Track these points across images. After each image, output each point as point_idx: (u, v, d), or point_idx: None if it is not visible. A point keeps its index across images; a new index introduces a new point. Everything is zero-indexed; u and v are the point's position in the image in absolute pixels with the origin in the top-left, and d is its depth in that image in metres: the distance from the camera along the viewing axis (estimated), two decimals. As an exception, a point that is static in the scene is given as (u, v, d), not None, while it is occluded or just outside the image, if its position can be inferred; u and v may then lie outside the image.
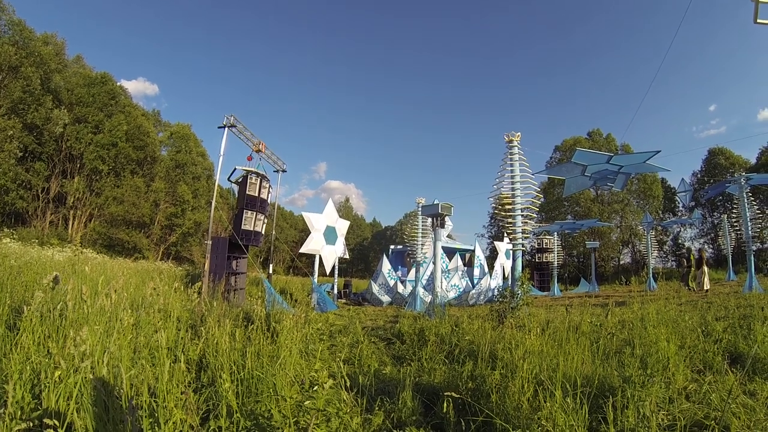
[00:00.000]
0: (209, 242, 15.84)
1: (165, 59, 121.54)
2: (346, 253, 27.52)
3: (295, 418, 3.39)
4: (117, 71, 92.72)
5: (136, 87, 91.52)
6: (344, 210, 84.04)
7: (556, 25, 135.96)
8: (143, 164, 50.39)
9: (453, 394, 4.11)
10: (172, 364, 4.22)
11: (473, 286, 25.60)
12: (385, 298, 25.08)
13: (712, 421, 4.11)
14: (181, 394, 3.33)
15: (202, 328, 5.73)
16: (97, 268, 11.28)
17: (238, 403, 4.02)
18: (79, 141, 43.72)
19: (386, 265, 26.98)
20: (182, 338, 5.45)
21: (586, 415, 3.90)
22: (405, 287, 26.11)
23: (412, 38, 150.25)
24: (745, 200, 21.03)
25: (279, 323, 6.30)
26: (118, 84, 50.15)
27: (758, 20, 4.32)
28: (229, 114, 17.16)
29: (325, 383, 3.50)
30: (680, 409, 4.85)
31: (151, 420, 3.34)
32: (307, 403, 3.40)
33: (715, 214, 55.37)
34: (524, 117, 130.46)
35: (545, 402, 4.14)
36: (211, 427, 3.62)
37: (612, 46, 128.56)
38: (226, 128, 17.20)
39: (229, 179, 17.99)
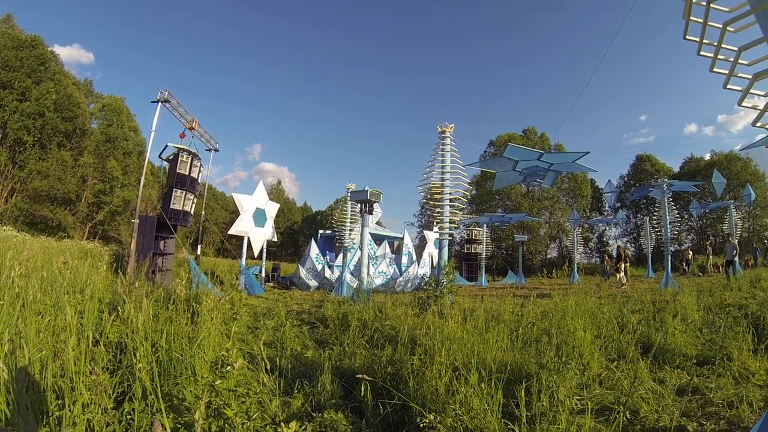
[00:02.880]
0: (137, 221, 15.50)
1: (103, 26, 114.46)
2: (275, 236, 27.47)
3: (208, 399, 3.40)
4: (50, 35, 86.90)
5: (69, 54, 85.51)
6: (276, 193, 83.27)
7: (501, 22, 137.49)
8: (71, 137, 47.33)
9: (364, 376, 4.19)
10: (92, 346, 4.16)
11: (401, 274, 25.86)
12: (313, 283, 25.01)
13: (620, 406, 4.32)
14: (90, 373, 3.28)
15: (122, 309, 5.61)
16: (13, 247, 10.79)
17: (153, 385, 4.00)
18: (2, 108, 40.64)
19: (314, 250, 27.01)
20: (104, 319, 5.35)
21: (501, 400, 4.01)
22: (333, 272, 26.13)
23: (356, 24, 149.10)
24: (666, 205, 22.43)
25: (200, 304, 6.23)
26: (50, 49, 46.87)
27: (687, 37, 4.51)
28: (163, 89, 16.76)
29: (235, 363, 3.52)
30: (593, 395, 5.13)
31: (59, 402, 3.29)
32: (218, 383, 3.41)
33: (639, 215, 58.43)
34: (462, 110, 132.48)
35: (461, 387, 4.26)
36: (125, 410, 3.54)
37: (554, 46, 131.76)
38: (160, 103, 16.85)
39: (160, 156, 17.54)
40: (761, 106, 4.08)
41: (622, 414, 3.91)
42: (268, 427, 3.69)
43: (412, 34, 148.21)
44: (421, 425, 3.78)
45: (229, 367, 3.51)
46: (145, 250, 15.49)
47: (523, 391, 3.82)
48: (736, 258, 21.50)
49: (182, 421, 3.43)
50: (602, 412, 4.52)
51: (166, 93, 17.18)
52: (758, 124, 4.18)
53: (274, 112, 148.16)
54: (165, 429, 2.91)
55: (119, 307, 5.22)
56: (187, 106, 18.77)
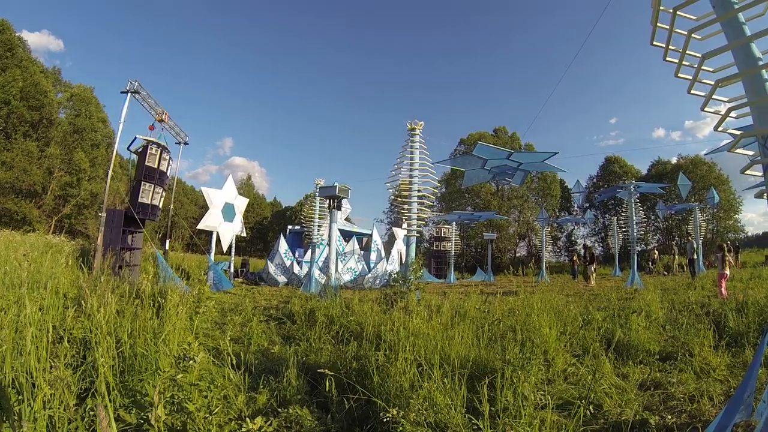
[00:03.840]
0: (104, 215, 15.26)
1: (74, 12, 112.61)
2: (244, 231, 27.35)
3: (171, 393, 3.38)
4: (19, 20, 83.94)
5: (38, 40, 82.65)
6: (246, 188, 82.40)
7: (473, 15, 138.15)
8: (38, 127, 46.00)
9: (327, 371, 4.20)
10: (56, 342, 4.10)
11: (369, 270, 25.90)
12: (282, 279, 24.99)
13: (582, 400, 4.42)
14: (51, 368, 3.23)
15: (86, 304, 5.53)
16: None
17: (117, 381, 3.95)
18: (-34, 96, 38.98)
19: (283, 246, 26.87)
20: (69, 315, 5.27)
21: (464, 395, 4.07)
22: (301, 268, 26.08)
23: (331, 22, 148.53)
24: (633, 205, 22.87)
25: (166, 299, 6.17)
26: (17, 35, 45.32)
27: (654, 42, 4.59)
28: (133, 79, 16.51)
29: (197, 356, 3.51)
30: (557, 390, 5.22)
31: (19, 398, 3.25)
32: (179, 377, 3.39)
33: (607, 216, 59.47)
34: (435, 109, 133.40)
35: (424, 382, 4.31)
36: (88, 406, 3.51)
37: (527, 47, 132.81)
38: (129, 94, 16.58)
39: (128, 148, 17.25)
40: (723, 112, 4.18)
41: (583, 408, 3.98)
42: (233, 422, 3.68)
43: (389, 31, 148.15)
44: (385, 420, 3.81)
45: (191, 362, 3.49)
46: (113, 244, 15.23)
47: (485, 386, 3.85)
48: (695, 256, 21.98)
49: (145, 417, 3.39)
50: (566, 407, 4.60)
51: (136, 83, 16.91)
52: (720, 129, 4.29)
53: (247, 106, 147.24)
54: (108, 412, 2.87)
55: (83, 303, 5.16)
56: (157, 98, 18.53)
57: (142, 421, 3.40)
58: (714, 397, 5.07)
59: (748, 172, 4.24)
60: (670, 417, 4.58)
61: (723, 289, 13.80)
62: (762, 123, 3.97)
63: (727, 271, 14.57)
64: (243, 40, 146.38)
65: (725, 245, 16.34)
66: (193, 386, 3.47)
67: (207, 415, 3.36)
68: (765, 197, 4.04)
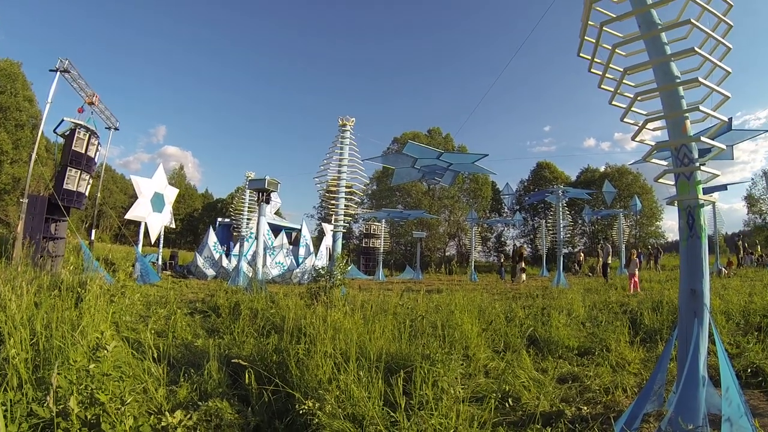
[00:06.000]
0: (26, 201, 14.69)
1: None
2: (173, 222, 26.87)
3: (84, 384, 3.30)
4: None
5: None
6: (177, 178, 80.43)
7: (417, 24, 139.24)
8: None
9: (241, 362, 4.20)
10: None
11: (297, 265, 25.91)
12: (210, 272, 24.73)
13: (497, 393, 4.64)
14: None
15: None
16: None
17: (30, 375, 3.83)
18: None
19: (212, 238, 26.66)
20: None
21: (382, 388, 4.13)
22: (230, 261, 25.90)
23: (268, 14, 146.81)
24: (561, 209, 23.83)
25: (87, 291, 6.00)
26: None
27: (580, 54, 4.76)
28: (63, 57, 15.90)
29: (109, 345, 3.44)
30: (477, 384, 5.37)
31: None
32: (91, 367, 3.32)
33: (536, 218, 61.00)
34: (371, 107, 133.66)
35: (341, 375, 4.37)
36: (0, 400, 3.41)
37: (467, 51, 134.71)
38: (59, 72, 15.99)
39: (55, 131, 16.64)
40: (641, 123, 4.39)
41: (494, 399, 4.14)
42: (153, 416, 3.62)
43: (330, 27, 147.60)
44: (301, 412, 3.85)
45: (105, 351, 3.42)
46: (34, 233, 14.69)
47: (400, 379, 3.96)
48: (609, 261, 23.00)
49: (57, 410, 3.31)
50: (485, 400, 4.72)
51: (66, 62, 16.31)
52: (637, 139, 4.50)
53: (181, 95, 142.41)
54: None
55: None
56: (88, 79, 17.90)
57: (54, 415, 3.31)
58: (628, 389, 5.34)
59: (661, 180, 4.46)
60: (585, 408, 4.78)
61: (632, 286, 16.47)
62: (676, 135, 4.21)
63: (636, 272, 17.34)
64: (182, 34, 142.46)
65: (634, 251, 18.74)
66: (106, 376, 3.40)
67: (120, 406, 3.29)
68: (675, 204, 4.27)
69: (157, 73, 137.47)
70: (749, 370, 5.95)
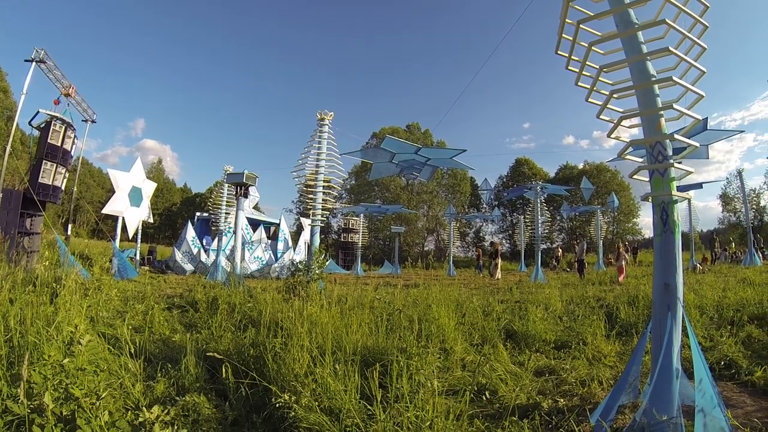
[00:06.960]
0: (0, 195, 14.47)
1: None
2: (151, 216, 26.70)
3: (59, 380, 3.28)
4: None
5: None
6: (156, 172, 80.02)
7: (398, 21, 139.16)
8: None
9: (217, 355, 4.20)
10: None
11: (276, 260, 25.89)
12: (189, 267, 24.67)
13: (471, 385, 4.66)
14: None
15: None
16: None
17: (4, 371, 3.79)
18: None
19: (191, 233, 26.49)
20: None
21: (358, 381, 4.13)
22: (209, 256, 25.80)
23: (250, 7, 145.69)
24: (539, 205, 24.01)
25: (63, 287, 5.95)
26: None
27: (558, 51, 4.81)
28: (39, 47, 15.67)
29: (83, 339, 3.42)
30: (454, 377, 5.44)
31: None
32: (65, 361, 3.30)
33: (515, 214, 61.10)
34: (351, 103, 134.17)
35: (317, 368, 4.37)
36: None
37: (449, 49, 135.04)
38: (34, 63, 15.76)
39: (30, 123, 16.33)
40: (616, 121, 4.45)
41: (469, 391, 4.18)
42: (130, 412, 3.60)
43: (317, 21, 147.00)
44: (278, 405, 3.87)
45: (79, 346, 3.40)
46: (9, 228, 14.45)
47: (377, 372, 4.00)
48: (584, 257, 23.25)
49: (33, 406, 3.28)
50: (462, 393, 4.76)
51: (42, 52, 16.06)
52: (613, 136, 4.56)
53: (160, 87, 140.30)
54: None
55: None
56: (64, 70, 17.66)
57: (30, 412, 3.28)
58: (604, 382, 5.41)
59: (636, 177, 4.53)
60: (562, 400, 4.85)
61: (621, 278, 17.78)
62: (650, 132, 4.27)
63: (623, 264, 18.80)
64: (162, 25, 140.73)
65: (622, 245, 19.58)
66: (81, 371, 3.38)
67: (95, 401, 3.27)
68: (650, 200, 4.34)
69: (137, 66, 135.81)
70: (722, 363, 6.07)
